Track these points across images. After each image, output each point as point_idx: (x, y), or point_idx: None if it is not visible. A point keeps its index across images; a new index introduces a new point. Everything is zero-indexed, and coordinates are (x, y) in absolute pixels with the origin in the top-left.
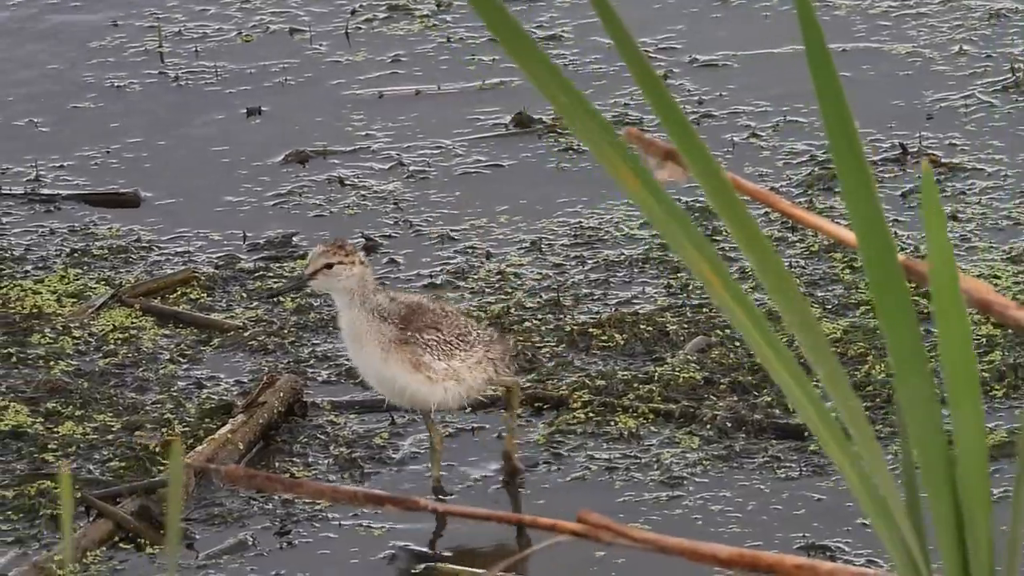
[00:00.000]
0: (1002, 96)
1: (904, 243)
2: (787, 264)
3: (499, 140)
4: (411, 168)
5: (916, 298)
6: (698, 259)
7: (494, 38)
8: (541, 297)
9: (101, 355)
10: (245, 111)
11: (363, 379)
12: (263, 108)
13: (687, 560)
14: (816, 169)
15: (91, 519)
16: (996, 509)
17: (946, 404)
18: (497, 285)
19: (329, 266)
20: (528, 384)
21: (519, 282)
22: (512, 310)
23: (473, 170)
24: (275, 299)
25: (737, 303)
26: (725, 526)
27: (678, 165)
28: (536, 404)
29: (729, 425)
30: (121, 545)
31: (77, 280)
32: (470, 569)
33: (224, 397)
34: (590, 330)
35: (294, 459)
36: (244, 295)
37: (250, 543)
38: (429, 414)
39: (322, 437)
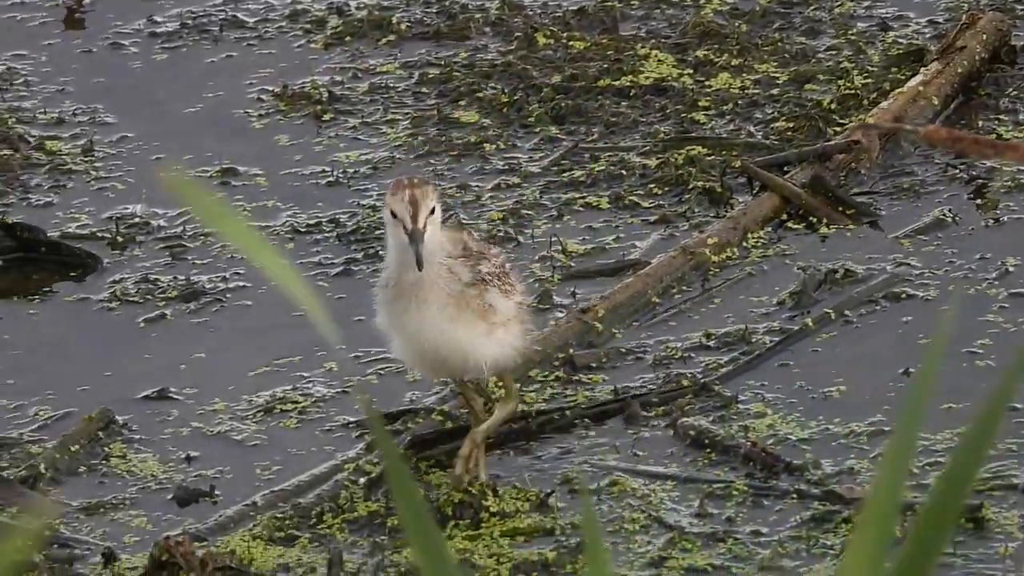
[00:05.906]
0: None
1: None
2: None
3: None
4: None
5: None
6: None
7: None
8: None
9: None
10: None
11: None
12: None
13: None
14: None
15: (753, 192)
16: None
17: None
18: None
19: (434, 210)
20: None
21: None
22: None
23: None
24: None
25: None
26: None
27: None
28: None
29: None
30: (789, 224)
31: None
32: None
33: (914, 41)
34: None
35: (1001, 116)
36: None
37: (949, 220)
38: (470, 382)
39: None
